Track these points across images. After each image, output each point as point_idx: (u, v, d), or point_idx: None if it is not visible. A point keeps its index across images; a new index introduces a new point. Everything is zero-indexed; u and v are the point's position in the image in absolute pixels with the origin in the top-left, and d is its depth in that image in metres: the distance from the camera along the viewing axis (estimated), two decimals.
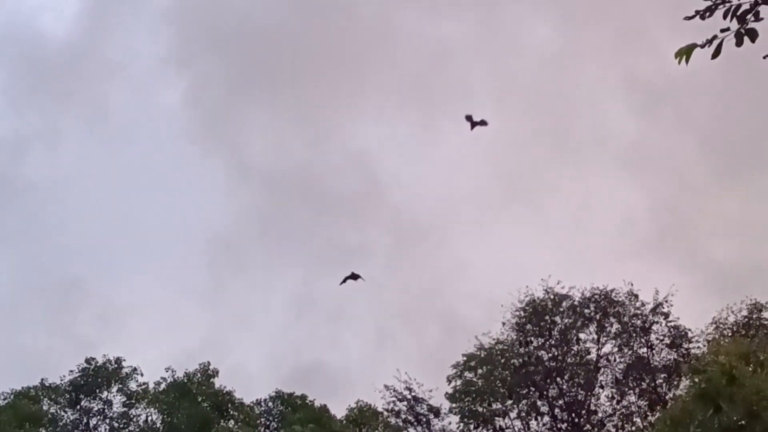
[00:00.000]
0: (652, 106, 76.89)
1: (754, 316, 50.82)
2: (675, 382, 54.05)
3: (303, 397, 54.65)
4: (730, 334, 48.56)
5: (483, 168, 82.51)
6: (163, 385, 52.48)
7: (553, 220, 78.64)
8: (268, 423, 55.15)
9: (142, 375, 53.44)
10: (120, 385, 53.25)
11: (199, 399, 51.74)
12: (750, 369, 37.75)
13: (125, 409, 53.27)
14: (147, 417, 52.69)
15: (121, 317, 74.24)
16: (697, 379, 38.72)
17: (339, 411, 54.13)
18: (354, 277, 33.83)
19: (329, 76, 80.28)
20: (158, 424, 51.70)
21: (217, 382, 52.49)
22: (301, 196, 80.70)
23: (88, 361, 53.46)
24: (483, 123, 27.88)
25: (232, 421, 52.22)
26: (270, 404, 55.37)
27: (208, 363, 52.54)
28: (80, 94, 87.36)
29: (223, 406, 52.23)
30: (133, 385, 53.41)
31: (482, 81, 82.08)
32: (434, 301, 76.23)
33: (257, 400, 55.00)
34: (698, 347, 53.25)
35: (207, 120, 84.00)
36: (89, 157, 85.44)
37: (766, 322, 50.26)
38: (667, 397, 53.64)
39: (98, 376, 53.00)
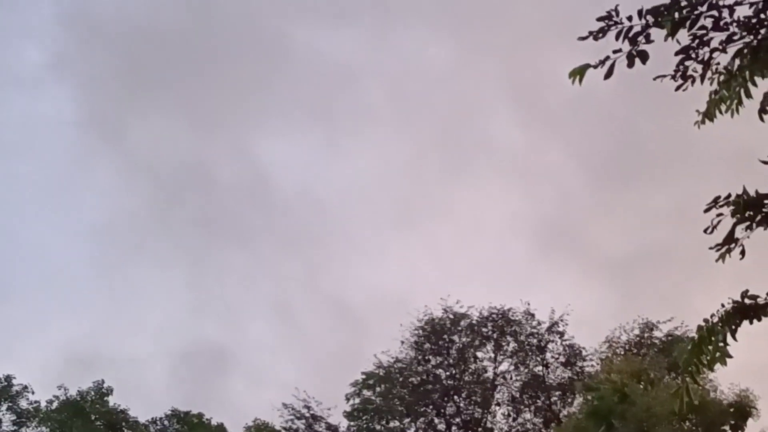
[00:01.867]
0: (544, 120, 78.22)
1: (646, 335, 51.86)
2: (569, 400, 54.90)
3: (199, 416, 53.97)
4: (622, 353, 49.46)
5: (380, 183, 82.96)
6: (55, 404, 51.29)
7: (448, 233, 79.60)
8: None
9: (33, 393, 52.16)
10: (10, 404, 51.85)
11: (93, 417, 50.69)
12: (641, 387, 38.49)
13: (15, 428, 51.84)
14: None
15: (6, 322, 72.90)
16: (590, 397, 39.36)
17: (236, 429, 53.67)
18: None
19: (227, 83, 79.64)
20: None
21: (111, 401, 51.59)
22: (193, 191, 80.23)
23: None
24: None
25: None
26: (166, 422, 54.51)
27: (102, 381, 51.57)
28: None
29: (117, 424, 51.23)
30: (23, 403, 52.03)
31: (379, 100, 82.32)
32: (325, 301, 76.67)
33: (152, 418, 54.09)
34: (592, 365, 54.20)
35: (97, 120, 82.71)
36: None
37: (657, 341, 51.33)
38: (561, 415, 54.40)
39: None
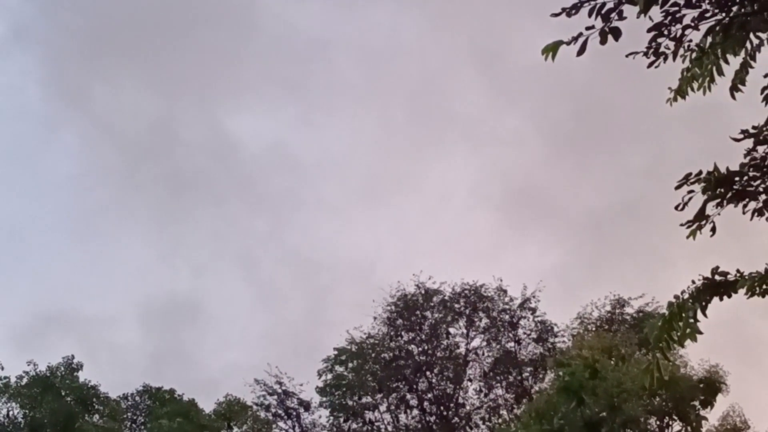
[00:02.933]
0: (511, 89, 78.75)
1: (617, 311, 52.22)
2: (540, 376, 55.20)
3: (171, 392, 53.84)
4: (593, 329, 49.78)
5: (349, 155, 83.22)
6: (25, 379, 50.96)
7: (416, 205, 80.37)
8: (134, 417, 54.19)
9: (2, 369, 51.78)
10: None
11: (63, 393, 50.44)
12: (612, 363, 38.77)
13: None
14: (8, 411, 51.05)
15: None
16: (561, 373, 39.58)
17: (208, 405, 53.64)
18: None
19: (195, 49, 79.46)
20: (20, 419, 50.17)
21: (82, 376, 51.30)
22: (161, 153, 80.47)
23: None
24: None
25: (96, 416, 51.10)
26: (137, 398, 54.41)
27: (72, 356, 51.24)
28: None
29: (87, 400, 50.93)
30: None
31: (348, 72, 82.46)
32: (293, 263, 77.44)
33: (123, 394, 53.97)
34: (563, 341, 54.52)
35: (64, 85, 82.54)
36: None
37: (628, 317, 51.70)
38: (532, 390, 54.72)
39: None
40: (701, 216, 10.58)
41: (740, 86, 10.43)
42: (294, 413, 56.63)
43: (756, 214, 10.65)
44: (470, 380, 57.33)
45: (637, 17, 9.87)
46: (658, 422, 40.29)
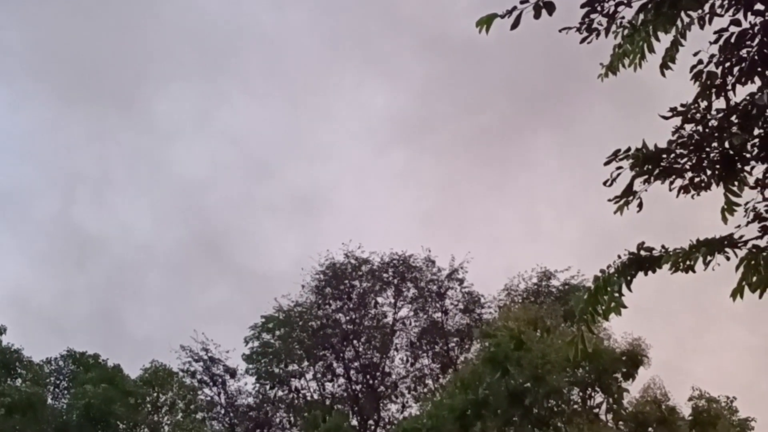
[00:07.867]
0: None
1: (543, 283, 52.72)
2: (467, 346, 55.71)
3: (95, 357, 53.30)
4: (520, 301, 50.24)
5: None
6: None
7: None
8: (57, 382, 53.56)
9: None
10: None
11: None
12: (537, 334, 39.12)
13: None
14: None
15: None
16: (487, 343, 39.91)
17: (133, 370, 53.27)
18: None
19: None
20: None
21: (4, 340, 50.53)
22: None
23: None
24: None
25: (19, 380, 50.40)
26: (60, 363, 53.77)
27: None
28: None
29: (10, 364, 50.24)
30: None
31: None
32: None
33: (47, 358, 53.30)
34: (490, 313, 54.97)
35: None
36: None
37: (554, 290, 52.24)
38: (458, 360, 55.22)
39: None
40: (629, 192, 10.72)
41: (670, 64, 10.55)
42: (220, 380, 56.49)
43: (682, 191, 10.81)
44: (397, 350, 57.65)
45: None
46: (580, 393, 40.86)
